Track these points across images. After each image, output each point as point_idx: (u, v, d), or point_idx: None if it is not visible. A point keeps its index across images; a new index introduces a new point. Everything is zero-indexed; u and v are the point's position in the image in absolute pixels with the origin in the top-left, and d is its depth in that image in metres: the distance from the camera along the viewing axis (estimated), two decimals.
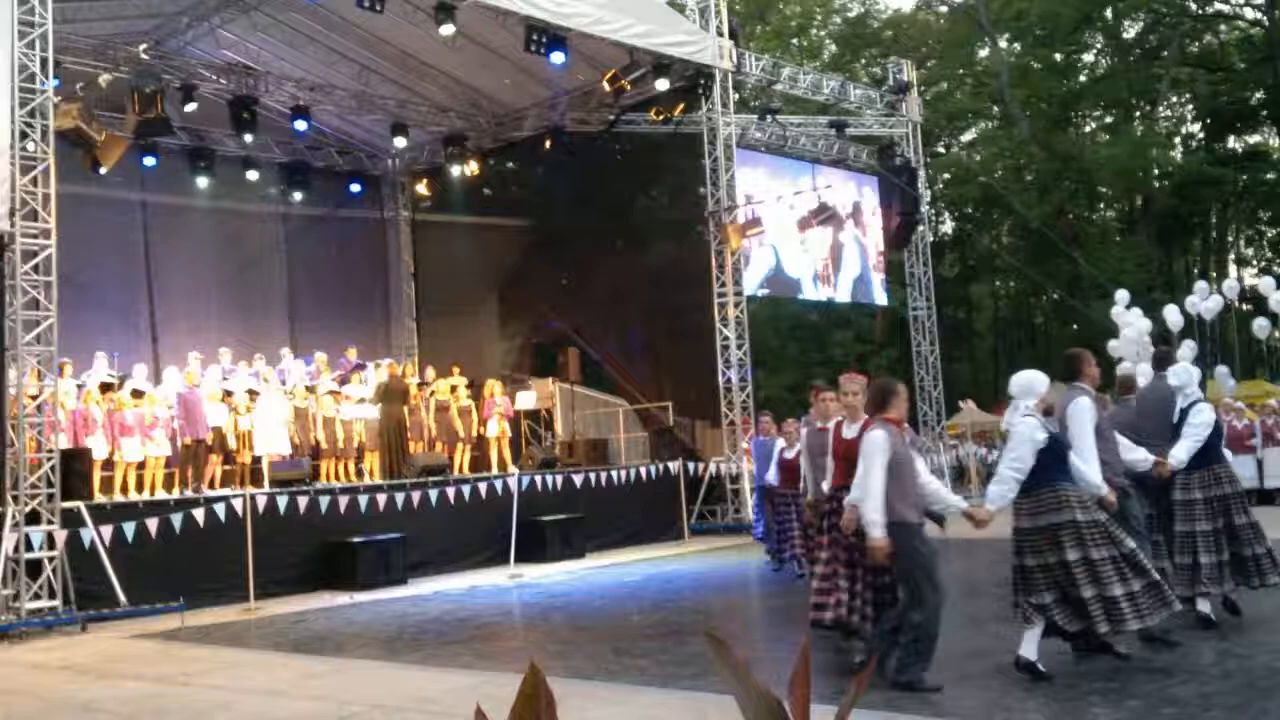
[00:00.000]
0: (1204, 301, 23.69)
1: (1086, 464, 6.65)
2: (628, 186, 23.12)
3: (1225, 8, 38.85)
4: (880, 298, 24.40)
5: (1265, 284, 24.78)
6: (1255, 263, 42.35)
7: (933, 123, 33.89)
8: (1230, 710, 5.56)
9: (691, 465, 17.62)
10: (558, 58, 16.57)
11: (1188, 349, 20.96)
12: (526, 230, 22.44)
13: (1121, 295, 24.02)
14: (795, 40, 42.00)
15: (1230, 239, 42.53)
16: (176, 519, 11.78)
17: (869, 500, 6.26)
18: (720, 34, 18.66)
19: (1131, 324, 22.38)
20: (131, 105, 15.39)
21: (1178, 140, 40.48)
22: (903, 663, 6.25)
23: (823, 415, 8.37)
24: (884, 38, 41.42)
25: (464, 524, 14.43)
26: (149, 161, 18.08)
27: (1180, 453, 7.69)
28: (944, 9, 42.90)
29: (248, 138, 18.42)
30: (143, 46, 16.41)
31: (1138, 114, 39.04)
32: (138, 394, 13.92)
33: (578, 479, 15.83)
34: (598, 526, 15.87)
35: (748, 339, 18.90)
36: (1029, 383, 6.74)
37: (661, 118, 19.11)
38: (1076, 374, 7.20)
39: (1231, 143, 39.70)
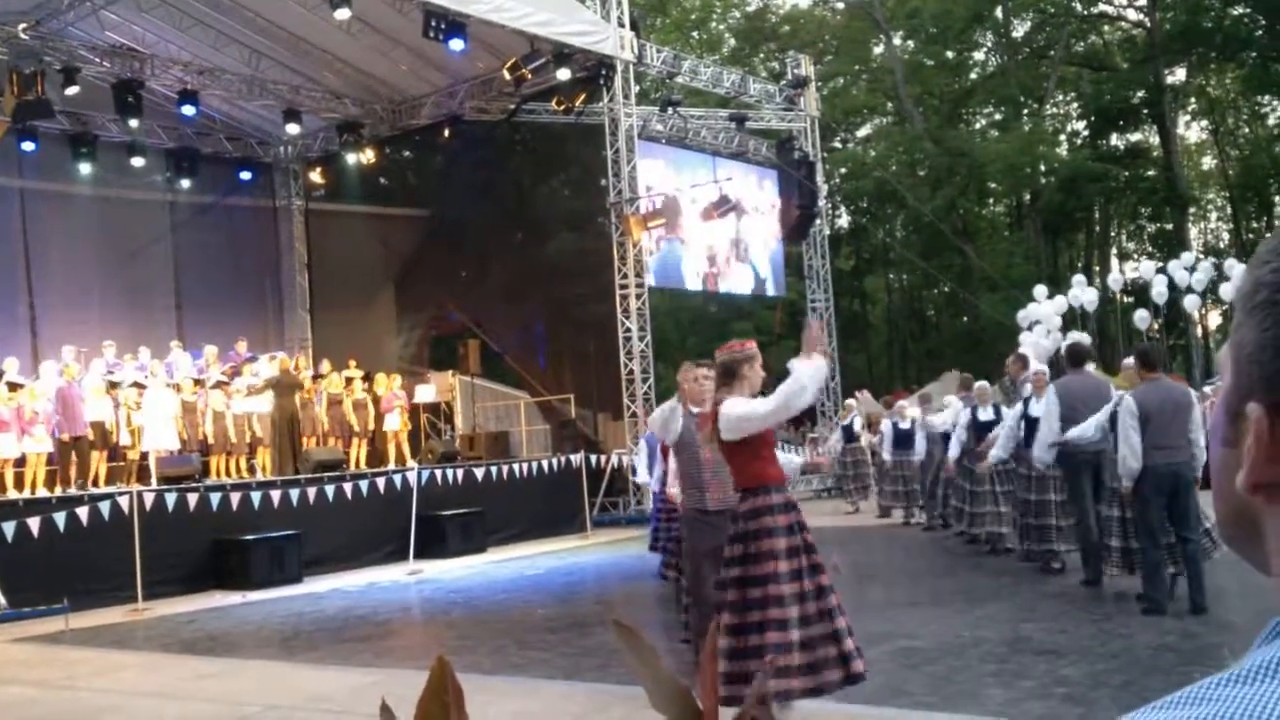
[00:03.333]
0: (1083, 293, 24.32)
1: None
2: (528, 177, 22.96)
3: (1109, 9, 40.11)
4: (779, 290, 24.66)
5: (1145, 268, 25.44)
6: (1137, 257, 43.88)
7: (830, 117, 34.35)
8: (1117, 689, 5.73)
9: (593, 458, 17.58)
10: (457, 45, 16.36)
11: None
12: (425, 220, 22.15)
13: (1040, 290, 23.91)
14: (695, 33, 42.17)
15: (1113, 233, 43.99)
16: (60, 517, 11.33)
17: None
18: (621, 24, 18.63)
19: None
20: (10, 87, 14.81)
21: (1063, 137, 41.65)
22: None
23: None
24: (782, 32, 41.82)
25: (361, 520, 14.16)
26: (28, 146, 17.38)
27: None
28: (840, 5, 43.49)
29: (132, 123, 17.80)
30: (22, 26, 15.70)
31: (1026, 111, 40.07)
32: (14, 387, 13.37)
33: (479, 473, 15.67)
34: (499, 520, 15.74)
35: (650, 330, 18.92)
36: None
37: (563, 108, 19.01)
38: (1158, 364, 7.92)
39: (1114, 140, 41.03)
